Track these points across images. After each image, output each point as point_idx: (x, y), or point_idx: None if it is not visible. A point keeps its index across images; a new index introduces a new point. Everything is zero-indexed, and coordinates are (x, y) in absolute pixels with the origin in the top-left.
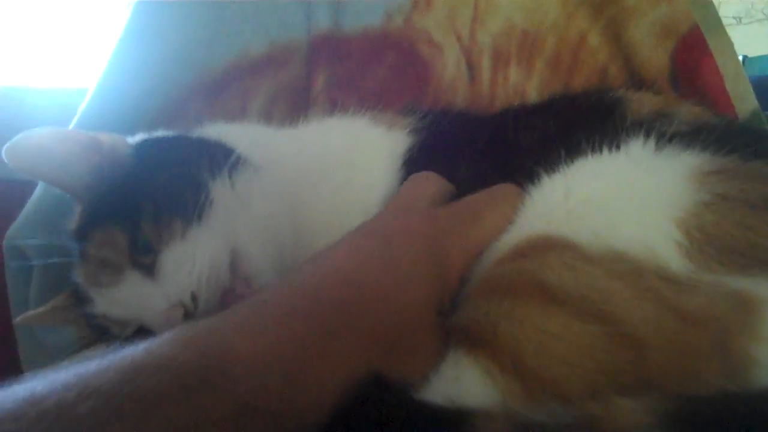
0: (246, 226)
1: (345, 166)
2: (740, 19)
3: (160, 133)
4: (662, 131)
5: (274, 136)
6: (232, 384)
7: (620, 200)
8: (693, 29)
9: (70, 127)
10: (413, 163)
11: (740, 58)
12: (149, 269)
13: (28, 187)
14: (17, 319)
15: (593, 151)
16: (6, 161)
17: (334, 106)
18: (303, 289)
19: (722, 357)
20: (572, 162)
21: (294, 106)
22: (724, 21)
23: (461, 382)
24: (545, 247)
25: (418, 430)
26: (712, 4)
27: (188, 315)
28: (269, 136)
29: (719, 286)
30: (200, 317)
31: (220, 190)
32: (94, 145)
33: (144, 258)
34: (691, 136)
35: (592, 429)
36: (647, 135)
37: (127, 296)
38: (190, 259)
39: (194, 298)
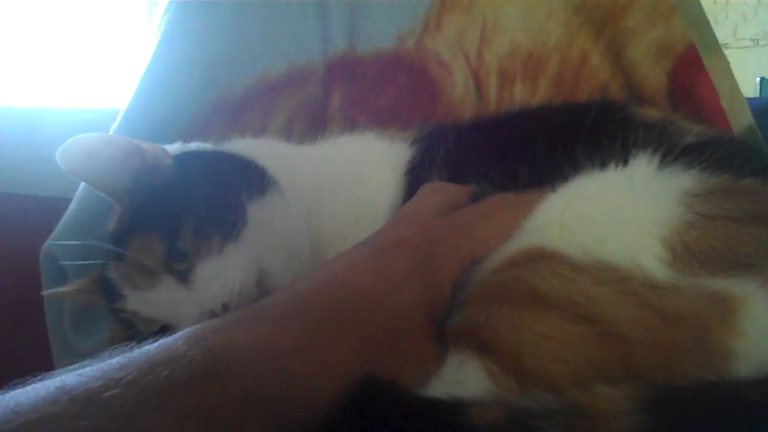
0: (272, 247)
1: (353, 179)
2: (758, 41)
3: (194, 145)
4: (672, 145)
5: (293, 153)
6: (236, 374)
7: (611, 219)
8: (689, 49)
9: None
10: (415, 172)
11: (758, 79)
12: (183, 276)
13: (62, 203)
14: (44, 293)
15: (599, 164)
16: (59, 163)
17: (350, 123)
18: (301, 294)
19: (702, 351)
20: (575, 176)
21: (312, 123)
22: (742, 43)
23: (464, 383)
24: (537, 257)
25: (418, 423)
26: (708, 24)
27: None
28: (289, 153)
29: (700, 287)
30: None
31: (255, 212)
32: (137, 153)
33: (179, 265)
34: (694, 156)
35: (576, 414)
36: (655, 150)
37: (160, 299)
38: (225, 274)
39: (225, 308)
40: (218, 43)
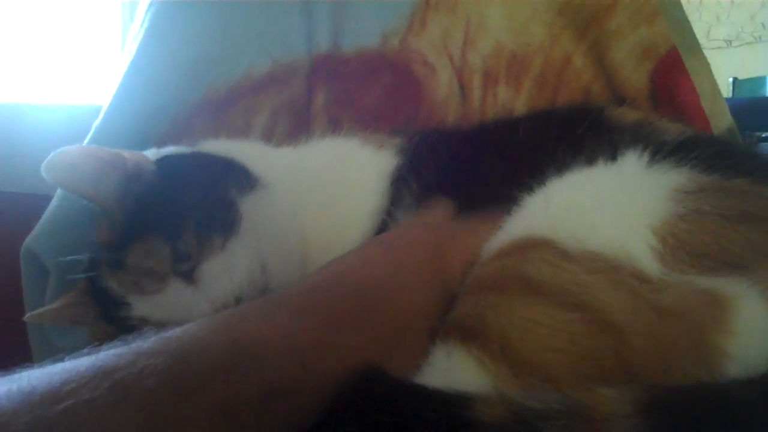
0: (268, 239)
1: (337, 186)
2: (730, 42)
3: (170, 149)
4: (659, 143)
5: (270, 155)
6: (259, 367)
7: (600, 208)
8: (671, 51)
9: (85, 141)
10: (401, 181)
11: (731, 80)
12: (188, 276)
13: (41, 200)
14: (27, 316)
15: (586, 162)
16: (45, 177)
17: (333, 122)
18: (317, 290)
19: (698, 348)
20: (559, 174)
21: (295, 122)
22: (715, 44)
23: (454, 371)
24: (526, 246)
25: (419, 413)
26: (689, 25)
27: None
28: (266, 155)
29: (690, 285)
30: None
31: (247, 206)
32: (118, 162)
33: (183, 265)
34: (684, 153)
35: (579, 415)
36: (644, 148)
37: (170, 302)
38: (232, 268)
39: (238, 301)
40: (202, 40)
